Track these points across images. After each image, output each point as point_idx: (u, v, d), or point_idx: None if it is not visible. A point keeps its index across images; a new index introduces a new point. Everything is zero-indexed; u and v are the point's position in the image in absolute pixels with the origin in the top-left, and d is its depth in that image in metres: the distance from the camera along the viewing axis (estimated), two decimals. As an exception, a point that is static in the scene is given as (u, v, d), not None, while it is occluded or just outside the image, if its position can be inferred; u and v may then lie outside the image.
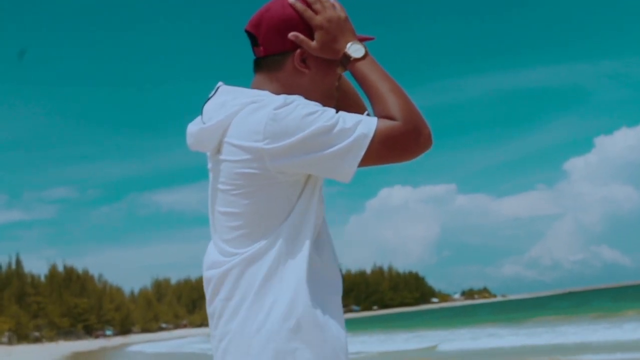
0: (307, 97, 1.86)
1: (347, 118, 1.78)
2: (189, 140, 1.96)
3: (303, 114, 1.76)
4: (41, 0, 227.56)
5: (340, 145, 1.75)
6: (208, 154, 1.96)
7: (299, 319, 1.79)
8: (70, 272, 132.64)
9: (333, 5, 1.94)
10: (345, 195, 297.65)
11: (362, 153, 1.76)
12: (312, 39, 1.91)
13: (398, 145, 1.80)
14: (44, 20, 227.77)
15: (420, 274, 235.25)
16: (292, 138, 1.75)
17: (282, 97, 1.80)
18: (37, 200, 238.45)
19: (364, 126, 1.77)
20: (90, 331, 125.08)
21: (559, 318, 41.64)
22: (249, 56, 2.03)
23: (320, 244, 1.91)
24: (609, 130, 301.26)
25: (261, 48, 1.95)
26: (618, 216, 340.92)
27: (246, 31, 2.00)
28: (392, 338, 39.66)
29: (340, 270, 1.98)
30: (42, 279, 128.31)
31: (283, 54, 1.93)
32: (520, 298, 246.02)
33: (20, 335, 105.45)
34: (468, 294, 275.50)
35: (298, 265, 1.82)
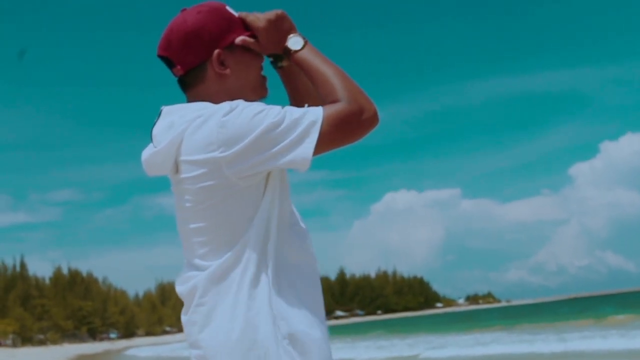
0: (239, 97, 1.94)
1: (294, 110, 1.86)
2: (145, 166, 2.01)
3: (251, 115, 1.81)
4: (45, 1, 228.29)
5: (292, 137, 1.82)
6: (169, 175, 1.98)
7: (278, 328, 1.83)
8: (74, 274, 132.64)
9: (265, 12, 2.05)
10: (350, 199, 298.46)
11: (315, 139, 1.82)
12: (220, 42, 1.99)
13: (346, 125, 1.86)
14: (46, 20, 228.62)
15: (425, 278, 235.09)
16: (245, 141, 1.80)
17: (227, 104, 1.85)
18: (42, 202, 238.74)
19: (311, 114, 1.85)
20: (94, 334, 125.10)
21: (542, 325, 41.52)
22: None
23: (295, 233, 1.96)
24: (614, 136, 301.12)
25: (178, 67, 2.01)
26: (623, 222, 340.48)
27: (159, 56, 2.05)
28: (379, 344, 39.47)
29: (316, 260, 2.03)
30: (47, 281, 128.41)
31: (200, 65, 2.00)
32: (525, 303, 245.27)
33: (25, 338, 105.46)
34: (472, 299, 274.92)
35: (270, 269, 1.87)
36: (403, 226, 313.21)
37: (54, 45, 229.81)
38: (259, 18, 2.04)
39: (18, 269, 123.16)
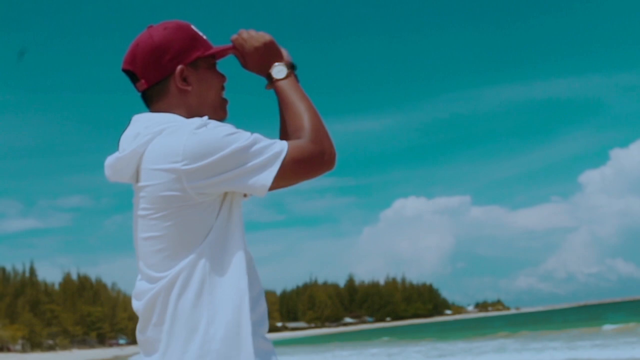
0: (199, 114, 2.00)
1: (262, 139, 1.91)
2: (107, 171, 2.04)
3: (222, 134, 1.86)
4: (56, 8, 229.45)
5: (255, 162, 1.87)
6: (133, 186, 2.01)
7: (235, 341, 1.85)
8: (84, 280, 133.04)
9: (259, 34, 2.13)
10: (360, 206, 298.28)
11: (276, 170, 1.88)
12: (184, 58, 2.04)
13: (305, 164, 1.93)
14: (59, 27, 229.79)
15: (434, 285, 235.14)
16: (210, 158, 1.83)
17: (198, 119, 1.90)
18: (52, 208, 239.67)
19: (277, 146, 1.90)
20: (103, 340, 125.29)
21: (552, 333, 41.42)
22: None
23: (245, 253, 1.96)
24: (624, 143, 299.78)
25: (142, 81, 2.05)
26: (633, 229, 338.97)
27: (124, 70, 2.09)
28: (389, 351, 39.44)
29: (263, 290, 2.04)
30: (56, 286, 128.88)
31: (164, 80, 2.04)
32: (534, 311, 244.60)
33: (34, 343, 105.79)
34: (482, 306, 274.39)
35: (228, 284, 1.88)
36: (412, 233, 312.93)
37: (65, 52, 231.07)
38: (252, 36, 2.12)
39: (28, 274, 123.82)
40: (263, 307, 1.98)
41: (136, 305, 1.98)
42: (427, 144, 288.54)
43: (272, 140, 1.93)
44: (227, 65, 2.18)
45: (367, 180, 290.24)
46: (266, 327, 1.97)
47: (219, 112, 2.11)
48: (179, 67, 2.03)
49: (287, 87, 2.09)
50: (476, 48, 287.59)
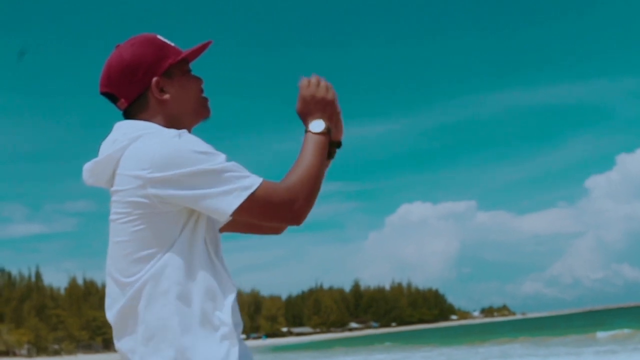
0: (182, 119, 2.09)
1: (238, 168, 1.92)
2: (84, 175, 2.08)
3: (195, 150, 1.89)
4: (63, 12, 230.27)
5: (223, 188, 1.88)
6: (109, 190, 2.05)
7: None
8: (89, 285, 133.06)
9: (326, 87, 2.16)
10: (365, 211, 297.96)
11: (242, 200, 1.88)
12: (157, 70, 2.08)
13: (272, 205, 1.93)
14: (66, 31, 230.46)
15: (440, 290, 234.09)
16: (176, 170, 1.86)
17: (175, 131, 1.95)
18: (58, 212, 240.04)
19: (250, 180, 1.91)
20: (108, 345, 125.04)
21: (557, 339, 41.28)
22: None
23: (220, 261, 2.00)
24: (630, 148, 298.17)
25: (122, 100, 2.11)
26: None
27: (102, 93, 2.14)
28: (393, 356, 39.35)
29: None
30: (62, 291, 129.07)
31: (142, 94, 2.09)
32: (540, 316, 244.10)
33: (40, 348, 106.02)
34: (487, 311, 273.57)
35: (196, 293, 1.90)
36: (418, 238, 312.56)
37: (72, 56, 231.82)
38: (318, 85, 2.16)
39: (33, 279, 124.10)
40: (237, 317, 2.00)
41: (109, 316, 2.01)
42: (433, 149, 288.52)
43: (247, 173, 1.93)
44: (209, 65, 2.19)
45: (373, 185, 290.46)
46: (240, 332, 1.99)
47: (200, 112, 2.16)
48: (154, 79, 2.07)
49: (312, 140, 2.09)
50: (482, 53, 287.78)
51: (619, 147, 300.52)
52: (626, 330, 39.22)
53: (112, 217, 1.99)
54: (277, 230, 2.40)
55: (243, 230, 2.40)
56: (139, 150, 1.93)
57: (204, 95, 2.19)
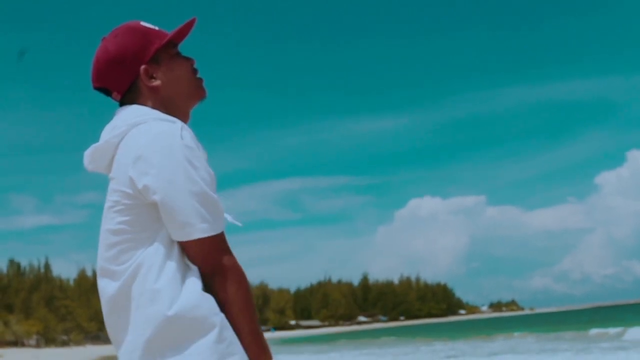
0: (177, 104, 2.08)
1: (218, 204, 1.91)
2: (85, 160, 2.08)
3: (183, 158, 1.86)
4: (72, 6, 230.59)
5: (189, 219, 1.85)
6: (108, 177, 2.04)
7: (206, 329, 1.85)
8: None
9: None
10: (374, 206, 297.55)
11: (210, 234, 1.86)
12: (143, 57, 2.05)
13: (215, 253, 1.88)
14: (75, 25, 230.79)
15: (449, 285, 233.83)
16: (152, 171, 1.86)
17: (173, 124, 1.92)
18: (68, 204, 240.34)
19: (221, 220, 1.91)
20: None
21: (566, 334, 41.04)
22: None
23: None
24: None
25: (115, 93, 2.11)
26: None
27: (96, 89, 2.14)
28: (403, 350, 39.26)
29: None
30: (71, 282, 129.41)
31: (133, 84, 2.08)
32: (549, 311, 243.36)
33: (49, 339, 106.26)
34: (496, 306, 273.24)
35: (184, 286, 1.87)
36: (427, 233, 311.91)
37: (81, 49, 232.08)
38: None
39: (43, 270, 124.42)
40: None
41: (104, 301, 2.01)
42: (443, 143, 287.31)
43: (222, 216, 1.92)
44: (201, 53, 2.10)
45: (382, 179, 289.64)
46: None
47: (195, 94, 2.13)
48: (142, 67, 2.05)
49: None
50: (493, 48, 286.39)
51: (629, 144, 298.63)
52: (636, 327, 38.95)
53: (106, 204, 1.99)
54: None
55: None
56: (135, 138, 1.92)
57: (198, 75, 2.15)
